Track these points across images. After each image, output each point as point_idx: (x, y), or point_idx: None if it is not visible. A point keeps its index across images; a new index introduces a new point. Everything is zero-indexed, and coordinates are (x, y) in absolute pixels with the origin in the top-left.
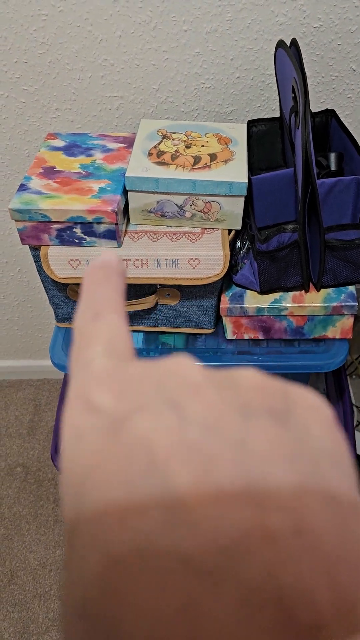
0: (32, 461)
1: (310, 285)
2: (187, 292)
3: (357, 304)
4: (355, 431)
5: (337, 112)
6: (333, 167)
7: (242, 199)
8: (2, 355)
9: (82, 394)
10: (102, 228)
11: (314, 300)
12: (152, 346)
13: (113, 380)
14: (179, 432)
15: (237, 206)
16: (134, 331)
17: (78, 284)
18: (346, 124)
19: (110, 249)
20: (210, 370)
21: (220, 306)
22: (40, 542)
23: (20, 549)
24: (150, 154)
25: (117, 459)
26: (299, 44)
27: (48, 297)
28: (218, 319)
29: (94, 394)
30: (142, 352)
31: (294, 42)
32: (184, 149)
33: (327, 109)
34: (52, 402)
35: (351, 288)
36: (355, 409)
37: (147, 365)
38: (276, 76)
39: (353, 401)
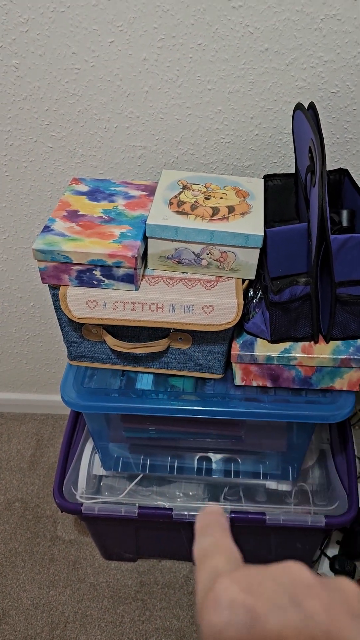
0: (31, 497)
1: (320, 337)
2: (199, 337)
3: None
4: (358, 483)
5: (350, 172)
6: (345, 224)
7: (257, 251)
8: (8, 387)
9: (214, 593)
10: (121, 272)
11: (323, 351)
12: (162, 388)
13: (238, 578)
14: (305, 629)
15: (252, 257)
16: (144, 373)
17: (94, 324)
18: (359, 183)
19: (128, 292)
20: (315, 574)
21: (231, 352)
22: (35, 581)
23: (14, 587)
24: (170, 203)
25: None
26: (316, 107)
27: (63, 334)
28: (227, 365)
29: (225, 591)
30: (151, 394)
31: (312, 105)
32: (203, 200)
33: (340, 168)
34: (55, 438)
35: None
36: (358, 460)
37: (262, 567)
38: (293, 135)
39: (356, 452)
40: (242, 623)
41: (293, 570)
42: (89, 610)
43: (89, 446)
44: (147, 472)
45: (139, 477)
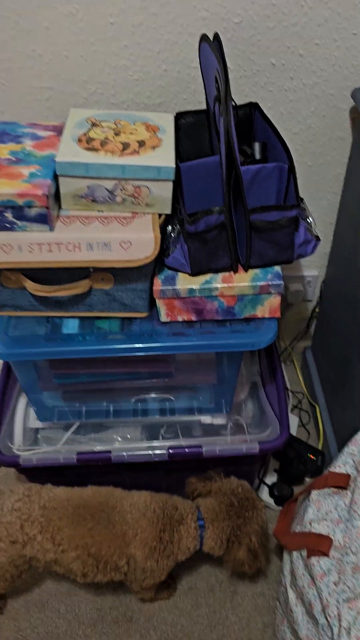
0: None
1: (239, 266)
2: (120, 275)
3: (282, 282)
4: (291, 414)
5: (260, 104)
6: (257, 156)
7: (170, 184)
8: None
9: None
10: (33, 212)
11: (243, 280)
12: (88, 331)
13: None
14: None
15: (165, 190)
16: (68, 317)
17: (11, 270)
18: (269, 116)
19: (43, 233)
20: None
21: (153, 288)
22: None
23: None
24: (79, 141)
25: None
26: (221, 38)
27: None
28: (152, 304)
29: None
30: (77, 337)
31: (216, 36)
32: (113, 136)
33: (250, 102)
34: None
35: (277, 268)
36: (290, 393)
37: None
38: (201, 69)
39: (288, 386)
40: None
41: None
42: None
43: (23, 400)
44: (83, 419)
45: (75, 425)
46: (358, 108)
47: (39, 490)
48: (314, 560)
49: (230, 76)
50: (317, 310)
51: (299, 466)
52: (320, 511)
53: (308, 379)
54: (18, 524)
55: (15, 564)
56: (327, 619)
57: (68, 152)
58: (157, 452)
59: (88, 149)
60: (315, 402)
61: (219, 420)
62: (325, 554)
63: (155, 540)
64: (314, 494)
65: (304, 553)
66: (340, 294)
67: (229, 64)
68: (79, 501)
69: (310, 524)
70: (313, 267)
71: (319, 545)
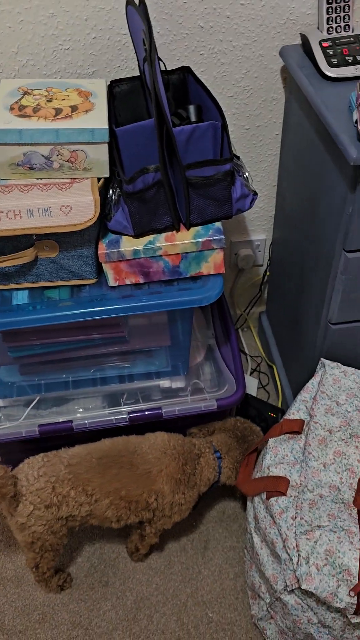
0: None
1: (181, 225)
2: (64, 242)
3: (224, 237)
4: (251, 377)
5: (192, 68)
6: (193, 118)
7: (106, 146)
8: None
9: None
10: None
11: (185, 237)
12: (38, 301)
13: None
14: None
15: (101, 153)
16: (16, 289)
17: None
18: (203, 80)
19: None
20: None
21: (98, 252)
22: None
23: None
24: (11, 109)
25: None
26: (147, 2)
27: None
28: (100, 270)
29: None
30: (28, 307)
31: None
32: (45, 103)
33: (183, 66)
34: None
35: (218, 224)
36: (249, 358)
37: None
38: (130, 34)
39: (246, 351)
40: None
41: None
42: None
43: None
44: (43, 392)
45: (36, 399)
46: (287, 67)
47: (57, 454)
48: (272, 500)
49: (161, 41)
50: (268, 274)
51: (260, 424)
52: (277, 456)
53: (265, 342)
54: (49, 487)
55: (52, 530)
56: (287, 553)
57: (0, 120)
58: (118, 417)
59: (20, 116)
60: (273, 363)
61: (177, 383)
62: (283, 494)
63: (179, 472)
64: (271, 441)
65: (264, 497)
66: (287, 255)
67: (157, 29)
68: (99, 453)
69: (268, 468)
70: (261, 231)
71: (277, 486)
